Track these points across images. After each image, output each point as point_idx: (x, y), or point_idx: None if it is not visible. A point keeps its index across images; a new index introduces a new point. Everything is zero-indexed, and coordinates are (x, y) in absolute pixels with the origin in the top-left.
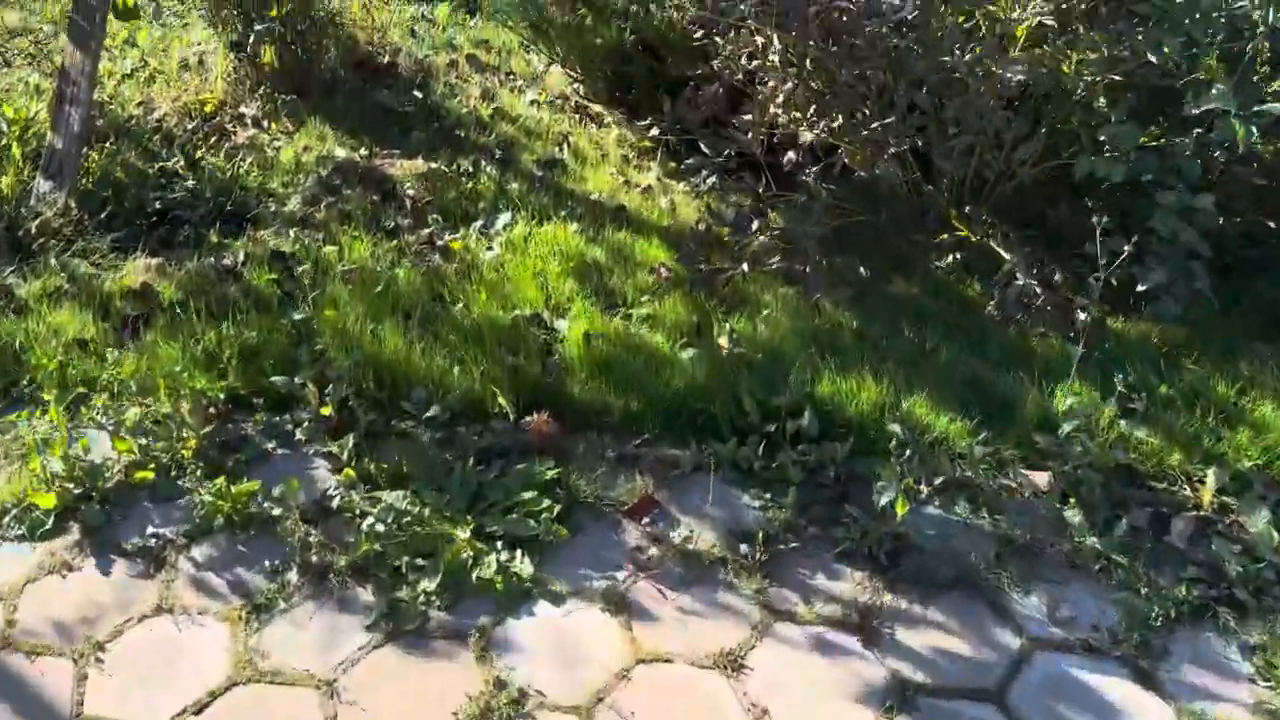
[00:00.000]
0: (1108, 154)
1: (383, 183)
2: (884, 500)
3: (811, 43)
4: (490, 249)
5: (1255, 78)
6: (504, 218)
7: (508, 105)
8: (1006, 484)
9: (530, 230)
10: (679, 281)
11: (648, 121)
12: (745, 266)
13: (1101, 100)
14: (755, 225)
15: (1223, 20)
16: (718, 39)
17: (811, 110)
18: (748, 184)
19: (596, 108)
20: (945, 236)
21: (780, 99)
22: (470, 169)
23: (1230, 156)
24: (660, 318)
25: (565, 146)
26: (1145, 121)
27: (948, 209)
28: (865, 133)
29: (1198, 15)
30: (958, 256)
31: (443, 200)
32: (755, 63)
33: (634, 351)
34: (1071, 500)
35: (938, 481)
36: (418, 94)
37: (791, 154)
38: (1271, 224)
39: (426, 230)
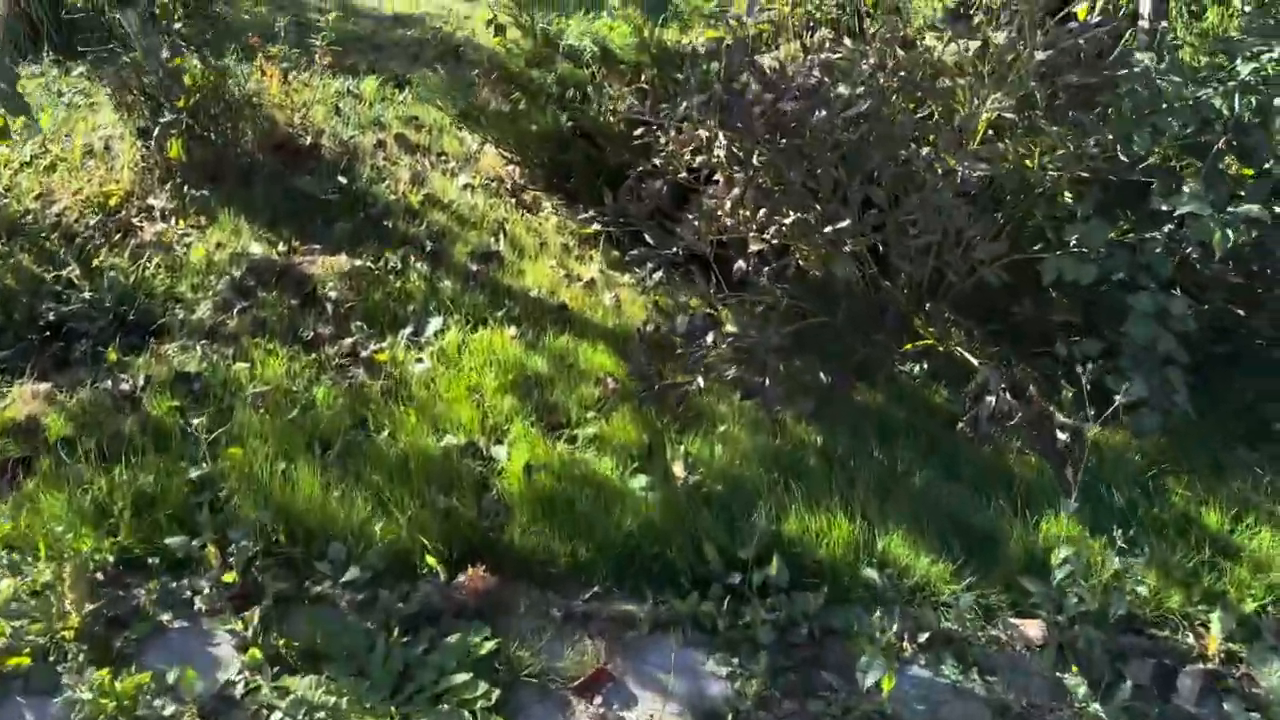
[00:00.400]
0: (1074, 250)
1: (302, 284)
2: (869, 680)
3: (758, 141)
4: (420, 361)
5: (1220, 168)
6: (435, 323)
7: (439, 190)
8: (996, 635)
9: (464, 337)
10: (627, 394)
11: (589, 214)
12: (700, 381)
13: (1066, 195)
14: (710, 337)
15: (1189, 110)
16: (659, 135)
17: (761, 213)
18: (697, 280)
19: (535, 191)
20: (909, 346)
21: (728, 205)
22: (399, 265)
23: (1204, 254)
24: (608, 438)
25: (502, 236)
26: (1112, 216)
27: (907, 306)
28: (819, 235)
29: (1163, 105)
30: (924, 366)
31: (368, 303)
32: (700, 158)
33: (580, 484)
34: (1069, 657)
35: (922, 638)
36: (342, 179)
37: (741, 263)
38: (1241, 312)
39: (349, 340)
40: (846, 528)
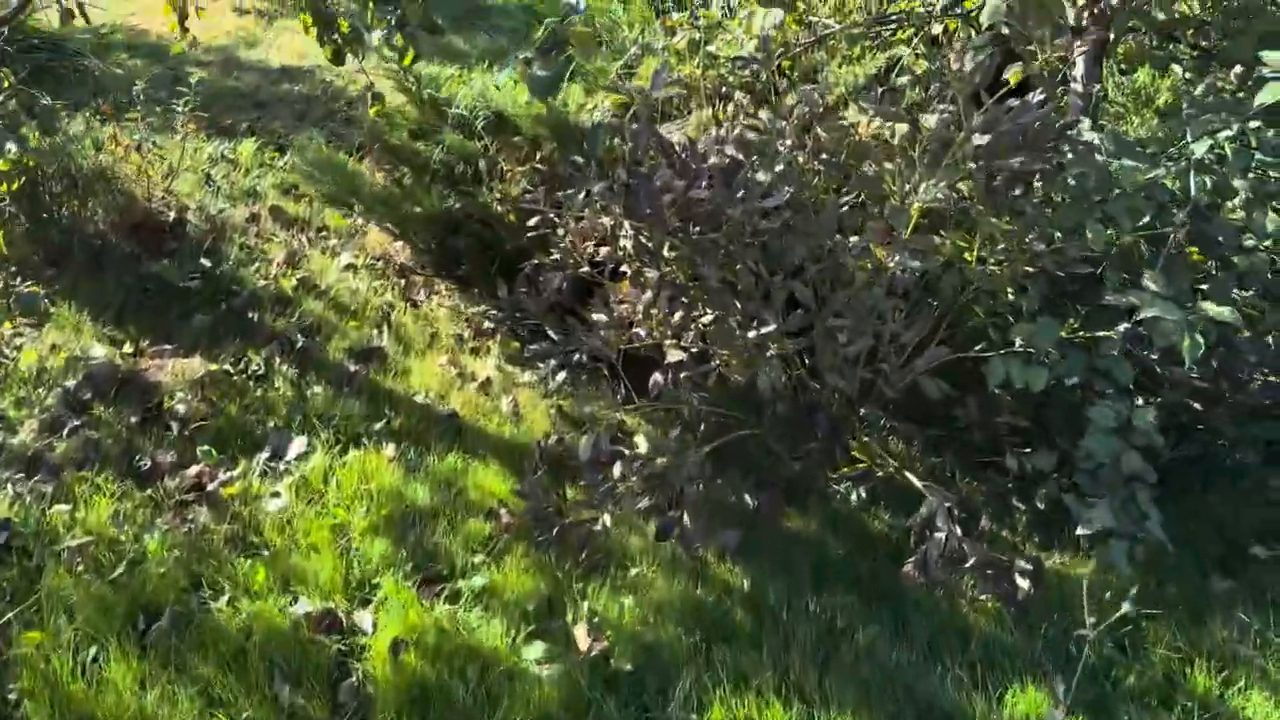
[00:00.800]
0: (1021, 350)
1: (147, 395)
2: None
3: (669, 232)
4: (276, 495)
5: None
6: (299, 443)
7: (317, 272)
8: None
9: (332, 461)
10: (523, 532)
11: (481, 307)
12: (607, 519)
13: (1009, 291)
14: (617, 468)
15: (1143, 196)
16: (557, 227)
17: (676, 316)
18: (605, 385)
19: (425, 273)
20: (844, 469)
21: (639, 310)
22: (262, 367)
23: (1166, 357)
24: (499, 591)
25: (386, 327)
26: (1060, 311)
27: (838, 412)
28: (739, 341)
29: (1115, 192)
30: (861, 494)
31: (222, 418)
32: (604, 249)
33: (462, 661)
34: None
35: None
36: (206, 261)
37: (658, 377)
38: (1198, 405)
39: (194, 469)
40: (781, 716)
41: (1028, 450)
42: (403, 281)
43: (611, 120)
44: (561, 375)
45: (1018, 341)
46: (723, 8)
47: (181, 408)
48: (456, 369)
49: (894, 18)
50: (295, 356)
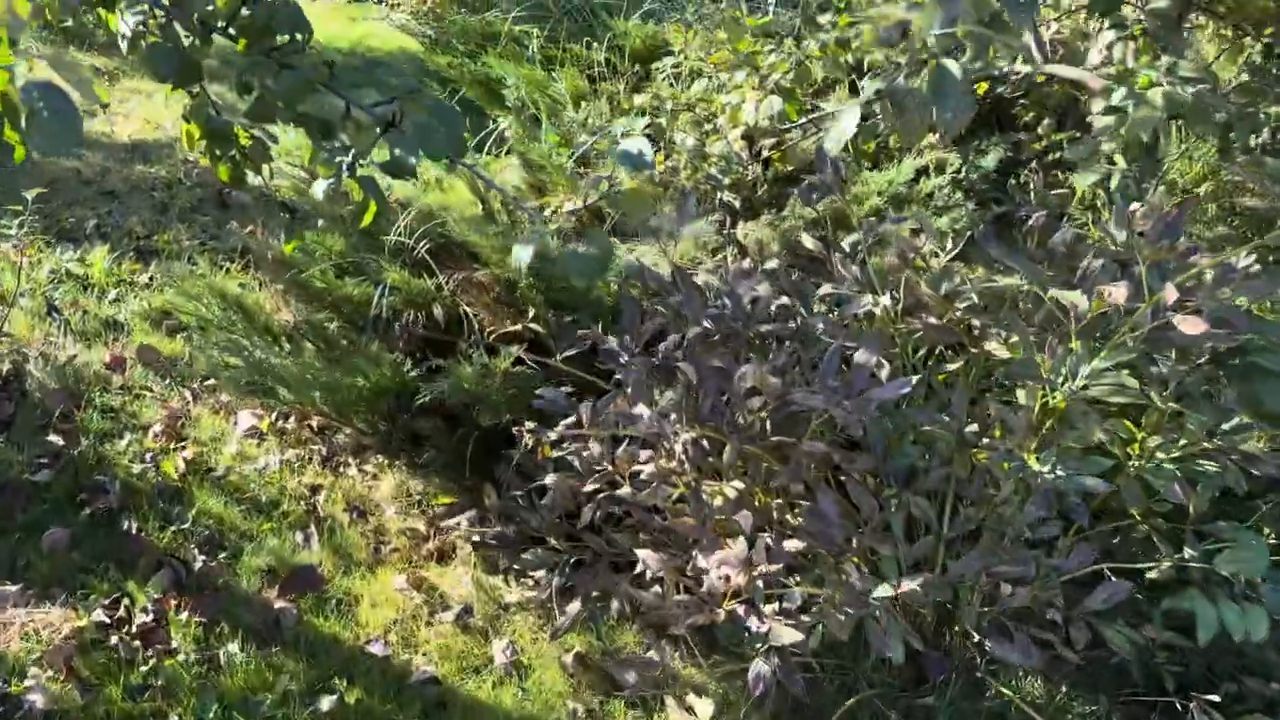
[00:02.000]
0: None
1: None
2: None
3: (749, 439)
4: None
5: None
6: None
7: (209, 444)
8: None
9: None
10: None
11: (453, 517)
12: None
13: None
14: None
15: None
16: (587, 445)
17: (775, 567)
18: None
19: (358, 437)
20: None
21: (739, 577)
22: (150, 614)
23: None
24: None
25: (314, 527)
26: (1228, 515)
27: (960, 639)
28: (857, 595)
29: None
30: None
31: (103, 705)
32: (648, 465)
33: None
34: None
35: None
36: (58, 439)
37: (763, 667)
38: None
39: None
40: None
41: (1214, 699)
42: (324, 446)
43: (629, 267)
44: (574, 607)
45: (1185, 552)
46: (668, 78)
47: (39, 699)
48: (420, 591)
49: None
50: (194, 588)
